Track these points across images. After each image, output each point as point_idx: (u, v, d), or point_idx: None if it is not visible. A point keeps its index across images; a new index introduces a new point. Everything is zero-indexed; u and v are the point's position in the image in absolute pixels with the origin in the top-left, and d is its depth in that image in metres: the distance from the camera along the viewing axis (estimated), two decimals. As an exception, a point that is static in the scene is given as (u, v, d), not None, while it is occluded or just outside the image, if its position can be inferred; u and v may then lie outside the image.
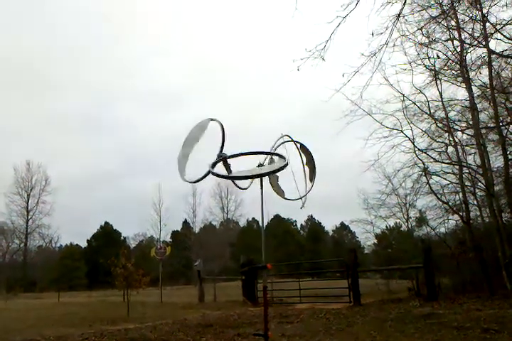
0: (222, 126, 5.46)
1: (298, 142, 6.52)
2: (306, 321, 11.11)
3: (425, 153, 16.96)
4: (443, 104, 16.83)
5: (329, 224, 72.90)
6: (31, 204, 54.29)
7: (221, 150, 5.42)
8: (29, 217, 53.67)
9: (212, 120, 5.66)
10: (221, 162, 5.42)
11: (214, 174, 5.23)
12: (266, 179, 5.88)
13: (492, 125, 16.19)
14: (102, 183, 76.76)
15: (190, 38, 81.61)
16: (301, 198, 6.34)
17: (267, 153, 5.89)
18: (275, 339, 8.20)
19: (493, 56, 14.42)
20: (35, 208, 54.23)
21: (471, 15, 14.46)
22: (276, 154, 5.72)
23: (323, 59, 8.66)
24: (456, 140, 17.06)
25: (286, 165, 5.17)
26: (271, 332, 5.28)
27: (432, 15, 13.33)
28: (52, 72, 75.73)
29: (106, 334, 10.32)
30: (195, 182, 5.66)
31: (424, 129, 17.12)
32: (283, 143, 6.29)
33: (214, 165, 5.30)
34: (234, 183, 6.20)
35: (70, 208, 66.07)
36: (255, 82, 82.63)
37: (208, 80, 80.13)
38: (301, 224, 72.51)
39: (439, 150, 17.24)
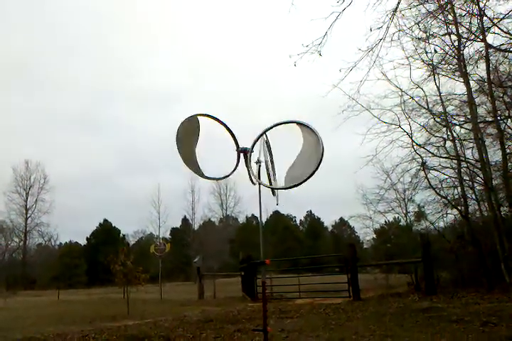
0: (219, 121, 5.33)
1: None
2: (306, 316, 11.14)
3: (423, 147, 16.97)
4: (441, 98, 16.84)
5: (328, 220, 73.10)
6: (30, 202, 54.32)
7: (237, 145, 5.26)
8: (28, 216, 53.69)
9: (200, 115, 5.51)
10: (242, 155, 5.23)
11: (262, 184, 5.07)
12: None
13: (490, 119, 16.18)
14: (101, 181, 76.93)
15: (187, 37, 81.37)
16: (275, 194, 6.06)
17: (286, 123, 5.48)
18: (274, 334, 8.22)
19: (491, 50, 14.39)
20: (34, 206, 54.26)
21: (468, 9, 14.44)
22: (297, 122, 5.32)
23: (320, 54, 8.67)
24: (455, 134, 17.08)
25: (323, 151, 4.85)
26: (270, 328, 5.29)
27: (429, 10, 13.32)
28: (51, 71, 75.59)
29: (106, 331, 10.34)
30: (221, 178, 5.50)
31: (422, 124, 17.14)
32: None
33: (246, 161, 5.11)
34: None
35: (68, 206, 66.11)
36: (254, 80, 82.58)
37: (206, 79, 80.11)
38: (301, 220, 72.70)
39: (438, 144, 17.25)
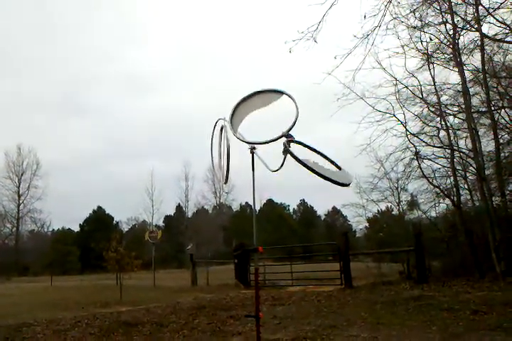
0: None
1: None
2: (298, 303, 11.22)
3: (417, 137, 16.96)
4: (435, 88, 16.79)
5: (321, 209, 73.37)
6: (22, 188, 53.92)
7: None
8: (20, 202, 53.40)
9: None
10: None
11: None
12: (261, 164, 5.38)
13: (484, 109, 16.19)
14: (95, 168, 76.62)
15: (174, 23, 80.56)
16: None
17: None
18: (267, 320, 8.29)
19: (486, 40, 14.33)
20: (26, 192, 53.89)
21: (463, -2, 14.34)
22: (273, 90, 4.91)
23: (315, 41, 8.62)
24: (448, 124, 17.06)
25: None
26: (262, 314, 5.33)
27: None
28: (39, 55, 74.53)
29: (98, 316, 10.39)
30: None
31: (416, 113, 17.10)
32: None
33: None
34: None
35: (61, 193, 65.87)
36: (246, 67, 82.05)
37: (197, 64, 79.44)
38: (294, 209, 72.92)
39: (431, 134, 17.24)
